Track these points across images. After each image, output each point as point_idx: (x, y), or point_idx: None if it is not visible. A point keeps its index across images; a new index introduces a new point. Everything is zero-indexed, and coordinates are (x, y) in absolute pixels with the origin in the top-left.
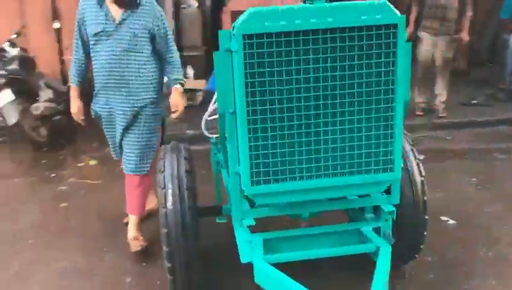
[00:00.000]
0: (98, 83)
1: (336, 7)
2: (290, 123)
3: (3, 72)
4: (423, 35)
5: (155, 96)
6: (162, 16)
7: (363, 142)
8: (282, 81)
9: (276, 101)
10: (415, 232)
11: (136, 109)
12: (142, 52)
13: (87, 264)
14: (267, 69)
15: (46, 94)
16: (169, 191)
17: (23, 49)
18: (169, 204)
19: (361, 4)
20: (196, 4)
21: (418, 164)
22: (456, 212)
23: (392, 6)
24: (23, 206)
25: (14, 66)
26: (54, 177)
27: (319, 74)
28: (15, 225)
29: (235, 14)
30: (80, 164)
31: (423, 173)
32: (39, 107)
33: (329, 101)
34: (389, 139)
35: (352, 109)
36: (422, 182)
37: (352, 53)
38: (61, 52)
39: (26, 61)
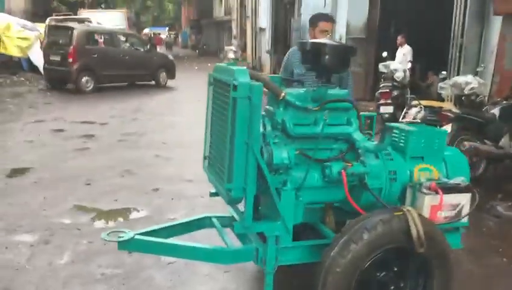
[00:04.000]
0: None
1: (229, 69)
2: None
3: None
4: None
5: None
6: None
7: (220, 158)
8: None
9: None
10: None
11: None
12: None
13: None
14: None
15: None
16: None
17: None
18: None
19: (235, 69)
20: None
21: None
22: None
23: (246, 72)
24: None
25: None
26: None
27: (213, 106)
28: None
29: None
30: None
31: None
32: None
33: (213, 126)
34: (228, 162)
35: (219, 135)
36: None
37: (223, 99)
38: None
39: None
